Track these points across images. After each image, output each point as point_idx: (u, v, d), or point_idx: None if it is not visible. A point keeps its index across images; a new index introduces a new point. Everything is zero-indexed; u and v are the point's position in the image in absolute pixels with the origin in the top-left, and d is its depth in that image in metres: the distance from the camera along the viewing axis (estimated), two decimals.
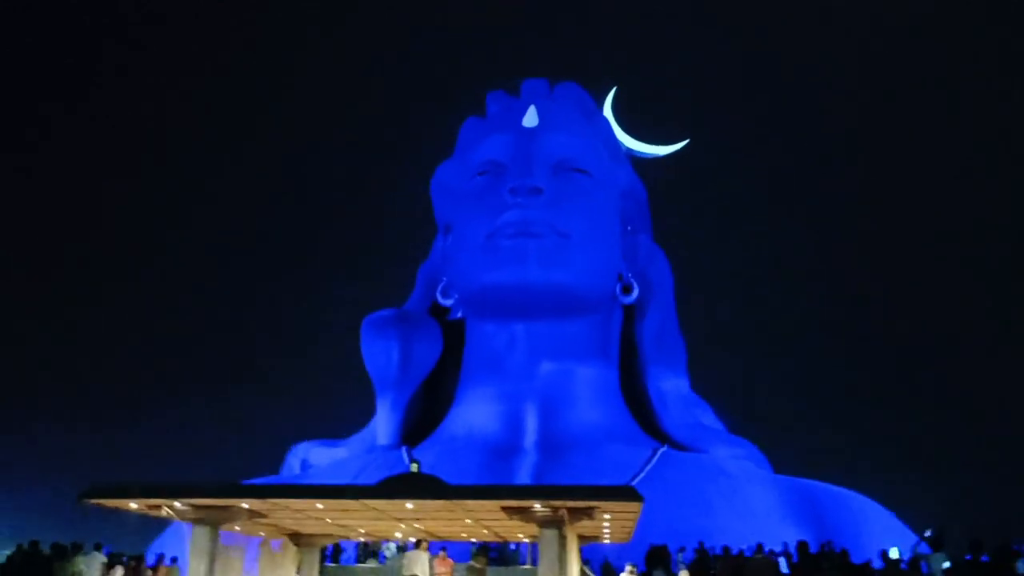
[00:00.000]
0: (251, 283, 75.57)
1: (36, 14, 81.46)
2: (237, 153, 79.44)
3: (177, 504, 16.07)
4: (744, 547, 23.09)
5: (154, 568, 24.45)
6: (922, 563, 17.95)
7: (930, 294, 67.26)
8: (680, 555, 24.80)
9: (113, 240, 77.51)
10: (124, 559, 24.51)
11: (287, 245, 78.03)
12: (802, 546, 22.84)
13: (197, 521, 16.55)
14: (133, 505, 16.56)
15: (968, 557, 19.05)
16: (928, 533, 21.09)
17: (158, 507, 16.46)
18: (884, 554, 21.33)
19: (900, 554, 21.23)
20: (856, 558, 22.49)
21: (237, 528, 18.45)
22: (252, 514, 17.17)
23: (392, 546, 26.09)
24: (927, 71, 72.63)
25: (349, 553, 28.21)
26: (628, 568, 21.87)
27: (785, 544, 24.19)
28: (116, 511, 17.50)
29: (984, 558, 18.37)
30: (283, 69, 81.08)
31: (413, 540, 21.14)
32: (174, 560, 24.92)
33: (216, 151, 79.18)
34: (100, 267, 74.35)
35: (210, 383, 68.26)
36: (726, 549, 21.27)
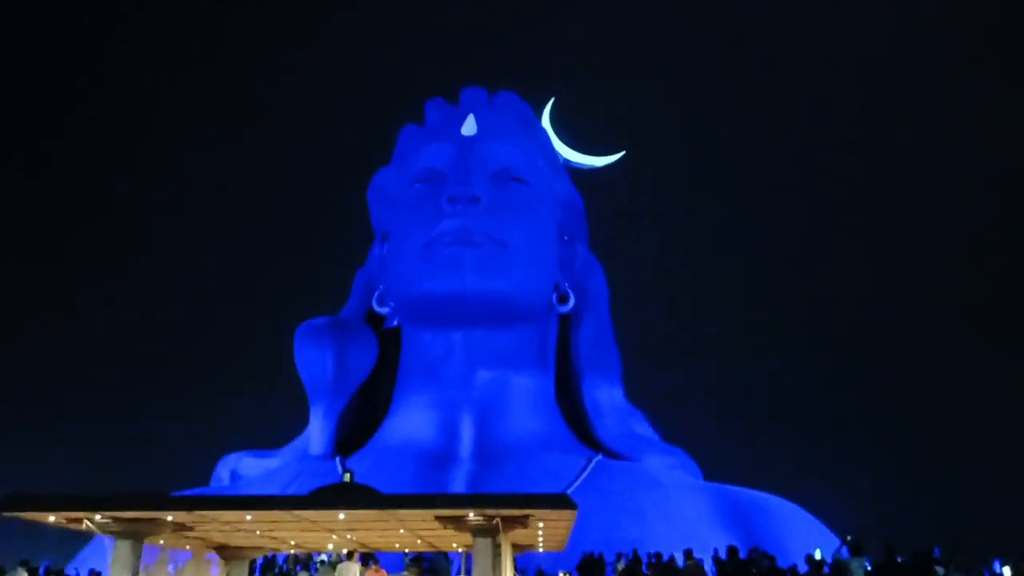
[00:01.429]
0: (184, 291, 73.78)
1: (35, 14, 79.19)
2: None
3: (98, 517, 15.49)
4: (675, 553, 23.50)
5: None
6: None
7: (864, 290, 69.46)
8: (619, 563, 25.05)
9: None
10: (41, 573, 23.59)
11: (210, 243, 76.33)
12: (732, 551, 23.34)
13: (119, 535, 15.98)
14: (52, 518, 15.90)
15: (882, 562, 19.81)
16: (849, 538, 21.83)
17: (78, 520, 15.84)
18: (809, 557, 21.99)
19: (822, 556, 21.91)
20: (782, 562, 23.09)
21: (161, 542, 17.90)
22: (177, 527, 16.65)
23: (324, 557, 25.69)
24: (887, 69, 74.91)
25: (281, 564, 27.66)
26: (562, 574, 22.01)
27: (716, 550, 24.70)
28: (35, 524, 16.80)
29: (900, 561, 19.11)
30: (282, 68, 79.96)
31: (345, 552, 20.85)
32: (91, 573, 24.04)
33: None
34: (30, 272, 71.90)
35: (137, 395, 66.28)
36: (657, 556, 21.59)
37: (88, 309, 71.99)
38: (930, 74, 72.24)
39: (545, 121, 46.58)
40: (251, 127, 77.34)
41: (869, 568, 20.22)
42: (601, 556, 24.91)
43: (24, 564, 22.54)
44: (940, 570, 19.04)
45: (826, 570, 20.93)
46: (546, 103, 47.58)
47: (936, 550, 21.14)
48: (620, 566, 23.98)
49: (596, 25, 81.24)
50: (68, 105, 79.39)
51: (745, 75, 76.45)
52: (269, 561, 25.60)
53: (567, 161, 46.24)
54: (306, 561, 24.86)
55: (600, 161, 47.97)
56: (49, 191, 75.94)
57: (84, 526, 16.04)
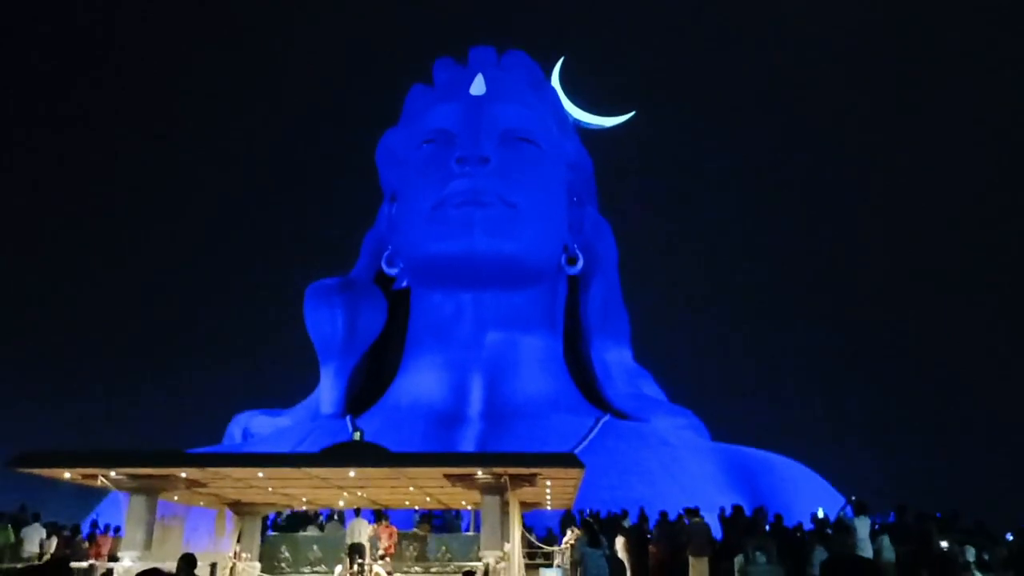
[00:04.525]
0: (195, 254, 74.16)
1: (35, 14, 78.66)
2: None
3: (113, 473, 15.76)
4: (682, 512, 23.72)
5: (90, 537, 23.99)
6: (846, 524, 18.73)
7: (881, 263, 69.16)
8: (624, 521, 25.27)
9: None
10: (64, 530, 24.07)
11: (234, 218, 76.54)
12: (737, 510, 23.55)
13: (134, 491, 16.25)
14: (67, 474, 16.16)
15: (892, 519, 19.93)
16: (854, 498, 21.96)
17: (93, 476, 16.11)
18: (814, 516, 22.17)
19: (825, 514, 22.11)
20: (788, 521, 23.29)
21: (176, 498, 18.22)
22: (191, 483, 16.93)
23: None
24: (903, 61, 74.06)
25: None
26: (572, 532, 22.25)
27: (721, 508, 24.92)
28: (53, 480, 17.11)
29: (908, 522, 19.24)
30: (270, 55, 79.41)
31: (353, 509, 21.16)
32: (116, 530, 24.42)
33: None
34: (51, 244, 72.39)
35: (153, 354, 67.04)
36: (663, 514, 21.78)
37: (103, 273, 72.52)
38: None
39: (555, 81, 46.03)
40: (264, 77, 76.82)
41: (877, 527, 20.39)
42: (610, 515, 25.15)
43: (36, 519, 22.92)
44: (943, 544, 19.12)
45: (829, 530, 21.10)
46: (556, 62, 47.02)
47: (938, 515, 21.26)
48: (625, 524, 24.23)
49: None
50: (59, 93, 79.23)
51: (760, 33, 75.27)
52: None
53: (577, 121, 45.80)
54: (314, 516, 25.21)
55: (610, 121, 47.53)
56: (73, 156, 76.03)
57: (99, 482, 16.31)
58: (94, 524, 25.17)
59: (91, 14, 78.64)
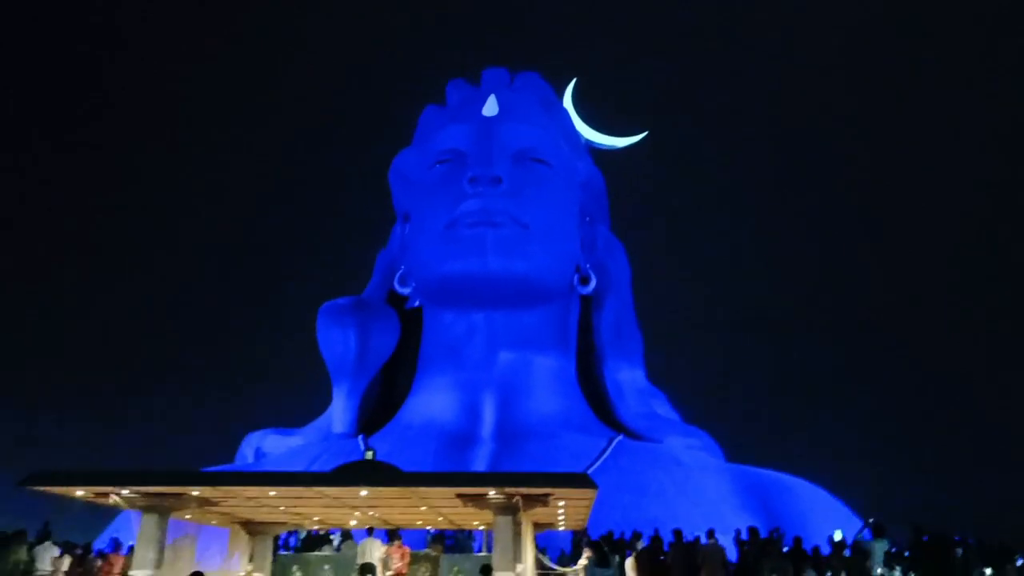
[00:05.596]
0: (209, 276, 74.71)
1: (35, 14, 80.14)
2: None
3: (125, 492, 15.76)
4: (697, 534, 23.46)
5: (101, 554, 23.95)
6: (864, 547, 18.51)
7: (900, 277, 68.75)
8: (638, 542, 25.02)
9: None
10: (76, 548, 24.04)
11: (246, 239, 77.19)
12: (753, 532, 23.28)
13: (146, 509, 16.25)
14: (79, 492, 16.20)
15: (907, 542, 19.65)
16: (871, 520, 21.68)
17: (105, 495, 16.14)
18: (831, 538, 21.85)
19: (843, 536, 21.80)
20: (805, 544, 22.98)
21: (188, 516, 18.20)
22: (203, 502, 16.92)
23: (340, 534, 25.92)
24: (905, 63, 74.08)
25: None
26: (585, 554, 22.06)
27: (737, 531, 24.63)
28: (64, 498, 17.15)
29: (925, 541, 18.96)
30: (274, 68, 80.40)
31: (366, 529, 21.07)
32: (129, 548, 24.35)
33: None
34: (66, 263, 73.04)
35: (164, 373, 67.36)
36: (677, 535, 21.52)
37: (119, 296, 73.11)
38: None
39: (567, 101, 46.25)
40: (277, 89, 77.44)
41: (893, 550, 20.10)
42: (622, 536, 24.92)
43: (47, 537, 22.89)
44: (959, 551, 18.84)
45: (847, 552, 20.84)
46: (568, 83, 47.23)
47: (956, 536, 20.95)
48: (639, 545, 24.01)
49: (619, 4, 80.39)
50: (68, 106, 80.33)
51: (771, 53, 75.47)
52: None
53: (589, 142, 45.94)
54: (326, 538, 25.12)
55: (622, 141, 47.59)
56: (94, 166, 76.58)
57: (112, 500, 16.33)
58: (116, 542, 25.15)
59: (88, 16, 79.50)
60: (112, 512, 29.55)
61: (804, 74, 73.03)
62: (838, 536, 21.75)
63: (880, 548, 17.33)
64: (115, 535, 27.46)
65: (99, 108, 79.08)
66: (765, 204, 73.81)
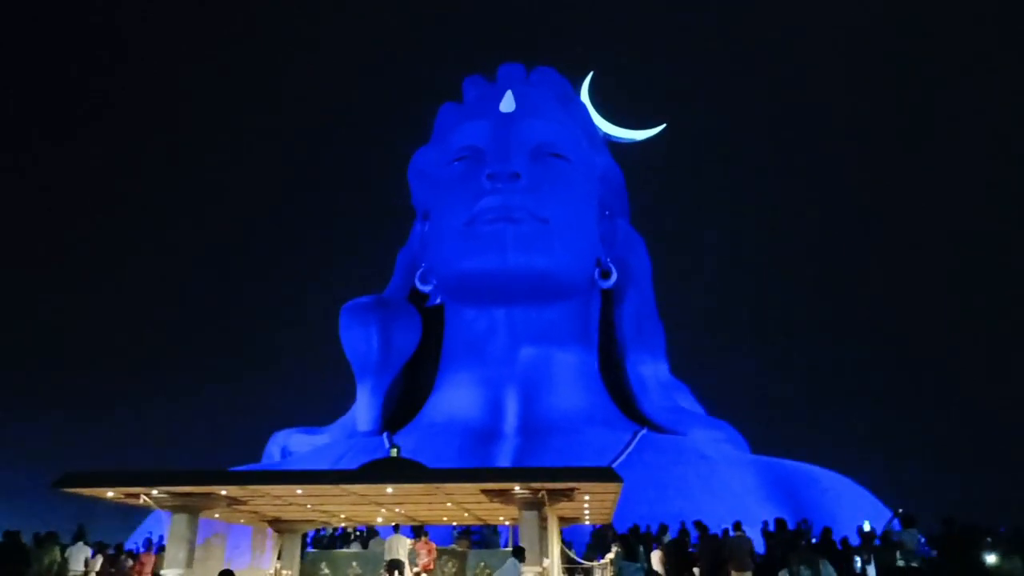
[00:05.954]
0: (234, 275, 75.28)
1: (36, 14, 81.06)
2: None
3: (155, 492, 15.96)
4: (723, 527, 23.32)
5: (131, 554, 24.25)
6: (894, 538, 18.29)
7: (925, 280, 67.99)
8: (664, 536, 24.92)
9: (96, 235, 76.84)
10: (108, 548, 24.38)
11: (276, 235, 77.74)
12: (780, 524, 23.12)
13: (176, 509, 16.45)
14: (110, 493, 16.41)
15: (938, 533, 19.41)
16: (901, 510, 21.46)
17: (135, 495, 16.35)
18: (860, 529, 21.65)
19: (872, 527, 21.59)
20: (833, 535, 22.77)
21: (217, 515, 18.39)
22: (231, 501, 17.10)
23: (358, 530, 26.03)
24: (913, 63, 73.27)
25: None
26: (613, 549, 22.02)
27: (764, 522, 24.45)
28: (95, 499, 17.37)
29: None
30: (278, 68, 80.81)
31: (392, 525, 21.18)
32: (162, 548, 24.61)
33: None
34: (84, 260, 73.85)
35: (191, 373, 67.98)
36: (702, 528, 21.39)
37: (118, 296, 73.83)
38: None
39: (584, 95, 46.09)
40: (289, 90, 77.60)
41: (923, 541, 19.88)
42: (648, 529, 24.83)
43: (80, 538, 23.18)
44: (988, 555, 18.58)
45: (877, 542, 20.64)
46: (584, 77, 47.07)
47: (987, 527, 20.67)
48: (665, 538, 23.92)
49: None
50: (69, 102, 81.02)
51: (771, 54, 74.79)
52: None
53: (607, 135, 45.76)
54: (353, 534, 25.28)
55: (641, 135, 47.35)
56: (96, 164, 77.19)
57: (142, 501, 16.53)
58: (149, 541, 25.51)
59: (89, 15, 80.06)
60: (134, 512, 29.92)
61: (804, 74, 72.39)
62: (867, 527, 21.55)
63: (911, 539, 17.14)
64: (150, 534, 27.87)
65: (99, 108, 79.62)
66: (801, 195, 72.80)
